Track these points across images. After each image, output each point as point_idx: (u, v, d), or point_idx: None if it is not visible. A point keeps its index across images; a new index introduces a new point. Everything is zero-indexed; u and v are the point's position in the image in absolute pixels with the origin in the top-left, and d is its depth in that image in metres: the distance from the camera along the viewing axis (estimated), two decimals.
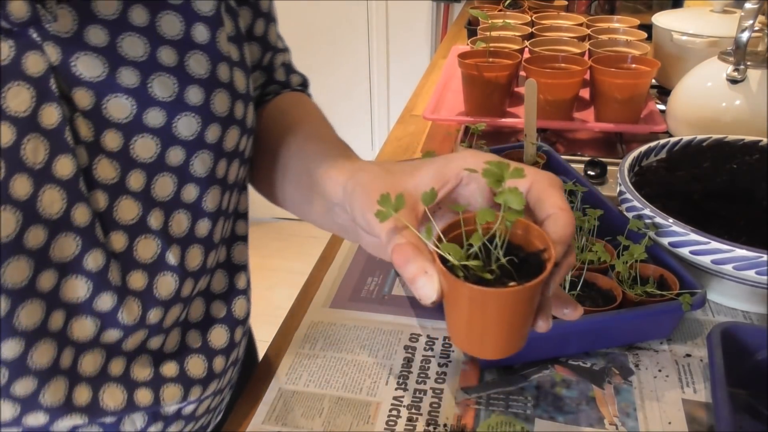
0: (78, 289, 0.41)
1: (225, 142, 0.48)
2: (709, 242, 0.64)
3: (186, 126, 0.45)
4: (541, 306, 0.37)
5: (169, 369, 0.50)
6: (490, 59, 1.14)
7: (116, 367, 0.46)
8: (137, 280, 0.45)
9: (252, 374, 0.63)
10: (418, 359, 0.64)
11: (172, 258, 0.46)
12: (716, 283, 0.69)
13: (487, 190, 0.40)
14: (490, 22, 1.25)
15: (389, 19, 2.46)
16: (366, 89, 2.60)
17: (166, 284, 0.46)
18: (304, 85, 0.69)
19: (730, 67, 0.93)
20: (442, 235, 0.36)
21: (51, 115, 0.38)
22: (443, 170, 0.40)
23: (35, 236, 0.38)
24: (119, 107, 0.42)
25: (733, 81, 0.93)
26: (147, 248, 0.45)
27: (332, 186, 0.47)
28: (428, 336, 0.67)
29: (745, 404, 0.57)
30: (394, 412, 0.58)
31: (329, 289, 0.75)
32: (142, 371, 0.48)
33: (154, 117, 0.43)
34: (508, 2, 1.48)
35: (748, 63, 0.92)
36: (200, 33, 0.46)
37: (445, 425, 0.57)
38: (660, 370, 0.62)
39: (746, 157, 0.79)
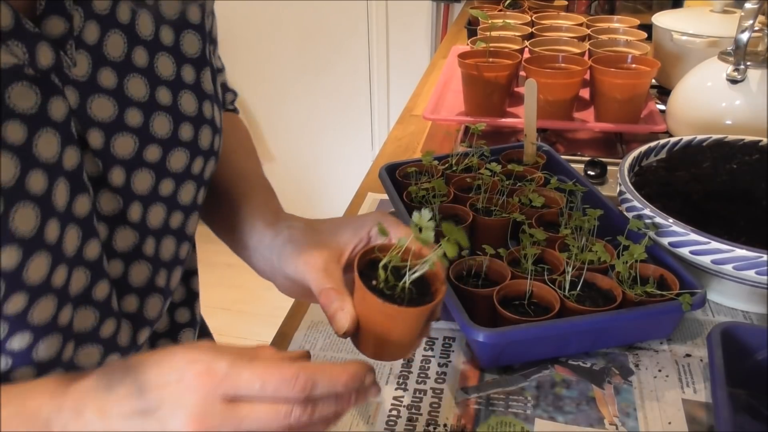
0: (87, 319, 0.45)
1: (205, 172, 0.53)
2: (709, 242, 0.64)
3: (177, 160, 0.49)
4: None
5: None
6: (490, 59, 1.14)
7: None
8: (131, 303, 0.49)
9: None
10: (418, 359, 0.64)
11: (160, 281, 0.50)
12: (716, 283, 0.69)
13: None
14: (490, 22, 1.25)
15: (389, 19, 2.45)
16: (366, 89, 2.60)
17: (154, 305, 0.51)
18: (233, 101, 0.72)
19: (730, 67, 0.93)
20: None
21: (72, 157, 0.41)
22: (359, 231, 0.49)
23: (60, 275, 0.41)
24: (125, 145, 0.45)
25: (733, 81, 0.93)
26: (140, 273, 0.49)
27: (257, 235, 0.53)
28: (428, 336, 0.67)
29: (745, 404, 0.57)
30: (394, 412, 0.58)
31: None
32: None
33: (152, 153, 0.47)
34: (508, 2, 1.48)
35: (748, 63, 0.92)
36: (188, 73, 0.50)
37: (445, 425, 0.57)
38: (660, 370, 0.62)
39: (746, 157, 0.79)
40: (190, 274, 0.60)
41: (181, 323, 0.59)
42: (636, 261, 0.65)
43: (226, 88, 0.69)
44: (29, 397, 0.37)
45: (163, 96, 0.48)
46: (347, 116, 2.66)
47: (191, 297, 0.59)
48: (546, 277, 0.65)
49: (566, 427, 0.56)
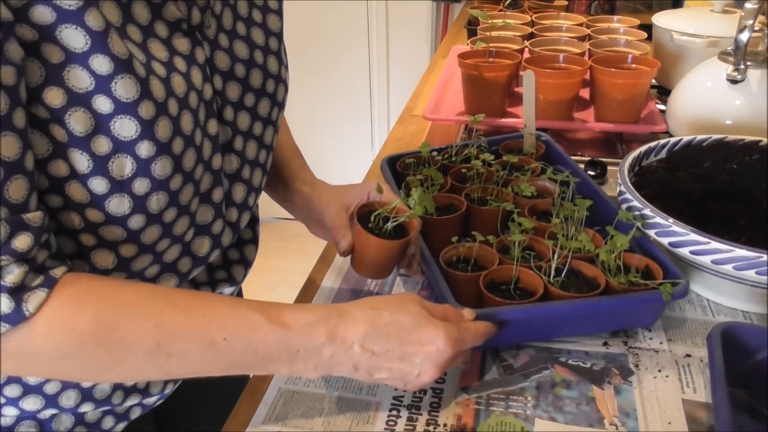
0: (206, 214, 0.58)
1: (278, 120, 0.68)
2: (709, 242, 0.64)
3: (263, 107, 0.64)
4: (410, 261, 0.70)
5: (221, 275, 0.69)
6: (490, 59, 1.14)
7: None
8: (233, 214, 0.63)
9: None
10: None
11: (251, 201, 0.65)
12: (716, 283, 0.69)
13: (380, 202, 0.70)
14: (490, 22, 1.25)
15: (389, 19, 2.45)
16: (366, 89, 2.60)
17: (245, 219, 0.65)
18: None
19: (730, 67, 0.93)
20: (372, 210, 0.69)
21: (208, 90, 0.56)
22: (362, 193, 0.72)
23: (199, 171, 0.55)
24: (233, 90, 0.60)
25: (733, 81, 0.93)
26: (239, 192, 0.63)
27: (296, 194, 0.76)
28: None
29: (745, 404, 0.57)
30: (394, 412, 0.58)
31: (329, 289, 0.75)
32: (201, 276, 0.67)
33: (249, 99, 0.62)
34: (508, 2, 1.48)
35: (748, 63, 0.92)
36: (273, 43, 0.65)
37: (445, 425, 0.57)
38: (660, 370, 0.62)
39: (746, 157, 0.79)
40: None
41: (245, 239, 0.72)
42: (620, 251, 0.66)
43: None
44: (310, 333, 0.51)
45: (258, 57, 0.62)
46: (347, 116, 2.66)
47: (253, 220, 0.73)
48: (533, 264, 0.66)
49: (566, 427, 0.56)
